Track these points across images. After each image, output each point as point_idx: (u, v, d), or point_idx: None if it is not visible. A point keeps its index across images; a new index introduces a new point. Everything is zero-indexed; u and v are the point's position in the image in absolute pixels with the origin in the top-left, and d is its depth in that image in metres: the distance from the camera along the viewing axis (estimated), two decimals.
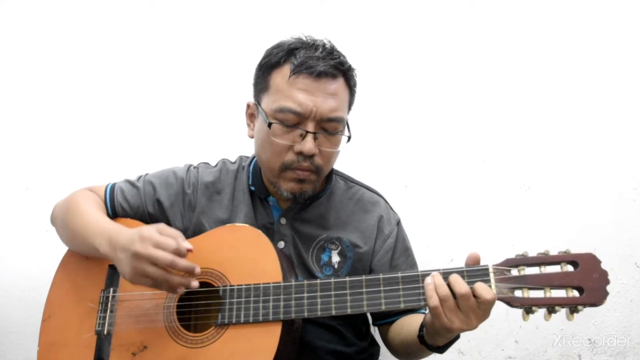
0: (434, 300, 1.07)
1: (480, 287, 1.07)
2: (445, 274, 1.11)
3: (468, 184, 1.88)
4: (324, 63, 1.25)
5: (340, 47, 1.35)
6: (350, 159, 1.63)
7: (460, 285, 1.07)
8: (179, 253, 1.14)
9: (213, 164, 1.52)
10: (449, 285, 1.08)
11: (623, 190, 1.89)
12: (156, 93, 1.91)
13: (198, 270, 1.17)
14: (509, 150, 1.90)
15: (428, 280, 1.10)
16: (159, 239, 1.13)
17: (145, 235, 1.14)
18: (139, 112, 1.90)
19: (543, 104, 1.92)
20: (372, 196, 1.47)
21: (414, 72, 1.93)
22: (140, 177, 1.48)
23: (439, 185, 1.88)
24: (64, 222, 1.40)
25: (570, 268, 1.09)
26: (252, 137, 1.39)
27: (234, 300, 1.22)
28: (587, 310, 1.78)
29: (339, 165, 1.52)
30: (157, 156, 1.81)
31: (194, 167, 1.49)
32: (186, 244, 1.16)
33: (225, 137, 1.81)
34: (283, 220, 1.39)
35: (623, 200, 1.88)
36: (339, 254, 1.38)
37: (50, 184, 1.82)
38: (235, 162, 1.50)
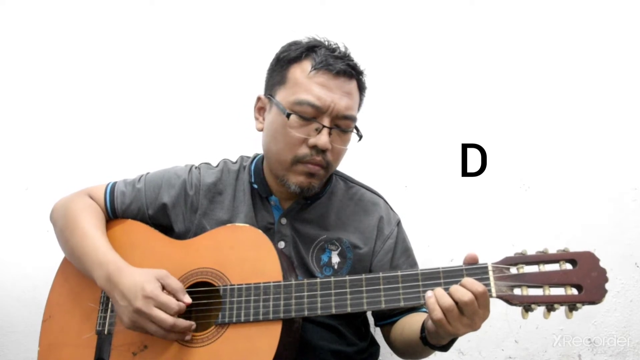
0: (437, 313, 1.08)
1: (469, 283, 1.07)
2: (447, 284, 1.11)
3: (468, 184, 1.88)
4: (342, 63, 1.29)
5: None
6: (350, 159, 1.63)
7: (462, 293, 1.07)
8: (179, 312, 1.18)
9: (214, 164, 1.51)
10: (450, 295, 1.08)
11: (623, 190, 1.89)
12: (156, 93, 1.91)
13: (194, 325, 1.21)
14: (509, 150, 1.90)
15: (429, 294, 1.10)
16: (162, 300, 1.17)
17: (149, 293, 1.17)
18: (139, 112, 1.90)
19: (543, 104, 1.92)
20: (372, 197, 1.48)
21: (414, 72, 1.93)
22: (141, 177, 1.47)
23: (439, 185, 1.88)
24: (62, 233, 1.40)
25: (569, 266, 1.09)
26: (260, 130, 1.39)
27: (234, 299, 1.22)
28: (587, 311, 1.79)
29: (339, 164, 1.53)
30: (158, 156, 1.80)
31: (196, 168, 1.48)
32: (186, 299, 1.20)
33: (226, 137, 1.81)
34: (284, 221, 1.39)
35: (623, 200, 1.88)
36: (339, 254, 1.38)
37: (50, 184, 1.82)
38: (236, 162, 1.50)
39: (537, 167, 1.89)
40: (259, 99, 1.40)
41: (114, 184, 1.47)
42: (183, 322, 1.18)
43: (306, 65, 1.29)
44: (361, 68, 1.36)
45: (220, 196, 1.43)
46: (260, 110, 1.40)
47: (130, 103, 1.91)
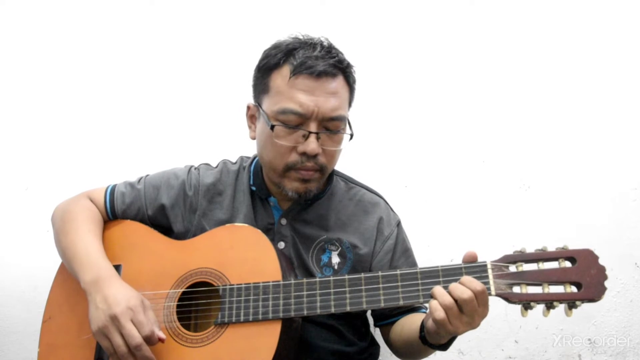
0: (439, 313, 1.07)
1: (468, 281, 1.07)
2: (446, 283, 1.11)
3: (468, 184, 1.88)
4: (323, 62, 1.25)
5: (341, 47, 1.35)
6: (350, 159, 1.63)
7: (462, 290, 1.07)
8: (149, 340, 1.16)
9: (214, 164, 1.51)
10: (449, 293, 1.08)
11: (623, 190, 1.89)
12: (157, 93, 1.91)
13: None
14: (509, 150, 1.90)
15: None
16: (140, 318, 1.16)
17: (132, 306, 1.16)
18: (139, 112, 1.90)
19: (543, 104, 1.92)
20: (373, 197, 1.47)
21: (414, 71, 1.93)
22: (140, 179, 1.48)
23: (439, 185, 1.88)
24: (57, 235, 1.40)
25: (568, 264, 1.09)
26: (254, 138, 1.38)
27: (234, 299, 1.22)
28: (587, 311, 1.79)
29: (339, 165, 1.52)
30: (158, 157, 1.81)
31: (195, 169, 1.48)
32: (160, 334, 1.18)
33: (226, 138, 1.81)
34: (283, 221, 1.39)
35: (623, 200, 1.88)
36: (339, 255, 1.38)
37: (50, 184, 1.82)
38: (236, 163, 1.50)
39: (537, 167, 1.89)
40: (249, 107, 1.39)
41: (114, 185, 1.47)
42: (146, 352, 1.15)
43: (286, 71, 1.26)
44: (346, 61, 1.31)
45: (219, 196, 1.43)
46: (252, 118, 1.39)
47: (130, 103, 1.91)
